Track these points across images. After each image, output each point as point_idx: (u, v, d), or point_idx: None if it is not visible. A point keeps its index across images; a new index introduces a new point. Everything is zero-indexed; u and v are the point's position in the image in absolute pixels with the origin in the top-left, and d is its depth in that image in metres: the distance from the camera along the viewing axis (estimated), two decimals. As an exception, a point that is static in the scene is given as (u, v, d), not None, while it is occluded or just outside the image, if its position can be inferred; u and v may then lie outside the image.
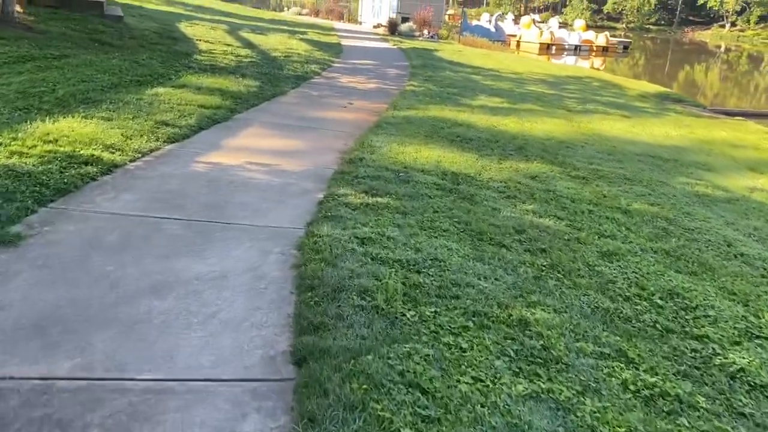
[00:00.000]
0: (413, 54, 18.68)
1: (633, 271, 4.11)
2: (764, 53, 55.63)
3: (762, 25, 73.90)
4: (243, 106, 7.98)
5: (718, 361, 3.09)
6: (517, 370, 2.71)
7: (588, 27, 44.42)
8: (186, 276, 3.34)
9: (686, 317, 3.54)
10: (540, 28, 39.54)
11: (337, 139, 7.00)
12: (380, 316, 2.98)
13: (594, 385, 2.70)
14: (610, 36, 42.49)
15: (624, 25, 78.66)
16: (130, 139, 5.62)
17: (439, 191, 5.29)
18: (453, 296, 3.31)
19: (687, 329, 3.39)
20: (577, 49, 38.65)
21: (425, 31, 28.25)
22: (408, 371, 2.54)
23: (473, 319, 3.09)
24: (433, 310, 3.11)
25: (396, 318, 2.98)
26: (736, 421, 2.66)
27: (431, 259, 3.77)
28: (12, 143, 4.90)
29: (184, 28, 14.15)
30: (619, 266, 4.18)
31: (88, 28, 11.08)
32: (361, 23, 35.33)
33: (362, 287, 3.24)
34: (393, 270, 3.52)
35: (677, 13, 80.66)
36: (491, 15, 45.42)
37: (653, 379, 2.80)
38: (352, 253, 3.68)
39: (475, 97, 11.54)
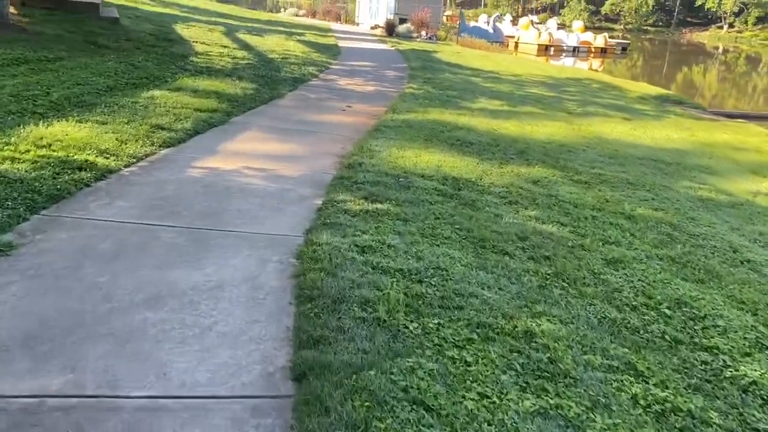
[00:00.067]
0: (411, 56, 18.60)
1: (639, 279, 4.03)
2: (762, 54, 55.71)
3: (760, 26, 74.00)
4: (240, 109, 7.88)
5: (729, 373, 3.01)
6: (524, 384, 2.62)
7: (586, 28, 44.40)
8: (182, 286, 3.24)
9: (695, 327, 3.45)
10: (538, 30, 39.53)
11: (336, 143, 6.91)
12: (382, 328, 2.89)
13: (603, 401, 2.61)
14: (609, 37, 42.47)
15: (622, 27, 78.71)
16: (125, 144, 5.53)
17: (440, 197, 5.20)
18: (456, 307, 3.22)
19: (696, 340, 3.31)
20: (575, 51, 38.63)
21: (423, 33, 28.18)
22: (412, 387, 2.45)
23: (478, 330, 3.00)
24: (436, 321, 3.02)
25: (398, 330, 2.89)
26: (750, 438, 2.58)
27: (433, 268, 3.68)
28: (4, 148, 4.81)
29: (181, 29, 14.05)
30: (625, 274, 4.10)
31: (84, 29, 10.98)
32: (358, 24, 35.25)
33: (363, 298, 3.15)
34: (394, 280, 3.43)
35: (675, 14, 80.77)
36: (489, 16, 45.39)
37: (664, 394, 2.72)
38: (352, 262, 3.59)
39: (475, 100, 11.46)
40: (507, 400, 2.49)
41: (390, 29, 27.52)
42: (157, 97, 7.45)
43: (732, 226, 5.69)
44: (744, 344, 3.32)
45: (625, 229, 5.12)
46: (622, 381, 2.78)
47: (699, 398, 2.75)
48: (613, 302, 3.65)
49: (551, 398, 2.55)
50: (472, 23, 39.89)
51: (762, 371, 3.05)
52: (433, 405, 2.37)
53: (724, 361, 3.11)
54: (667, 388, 2.78)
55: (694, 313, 3.63)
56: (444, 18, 40.53)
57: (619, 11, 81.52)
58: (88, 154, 5.06)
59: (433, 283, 3.49)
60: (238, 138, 6.58)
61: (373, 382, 2.42)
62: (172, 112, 6.88)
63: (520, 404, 2.47)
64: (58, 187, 4.34)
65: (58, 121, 5.82)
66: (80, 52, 9.44)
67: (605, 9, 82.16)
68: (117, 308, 2.97)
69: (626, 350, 3.08)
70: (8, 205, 3.88)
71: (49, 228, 3.77)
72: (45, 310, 2.86)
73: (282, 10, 47.27)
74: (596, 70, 29.27)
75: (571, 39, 39.65)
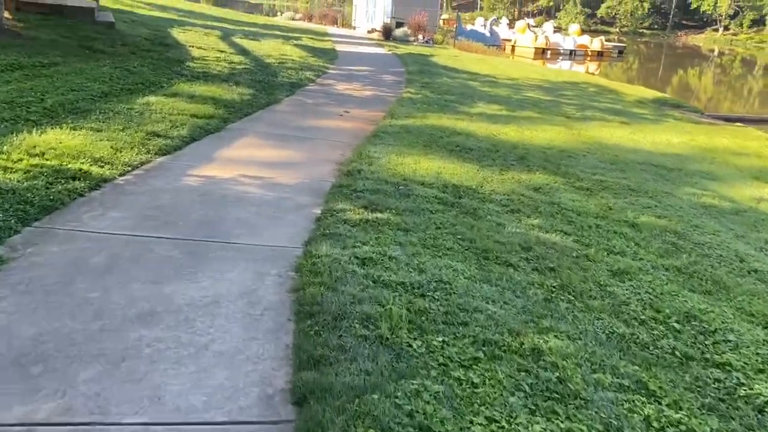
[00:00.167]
0: (409, 59, 18.52)
1: (646, 291, 3.94)
2: (757, 57, 55.87)
3: (755, 29, 74.24)
4: (236, 115, 7.78)
5: (743, 392, 2.92)
6: (534, 407, 2.52)
7: (582, 31, 44.44)
8: (177, 302, 3.14)
9: (706, 342, 3.36)
10: (535, 33, 39.55)
11: (334, 149, 6.82)
12: (385, 347, 2.79)
13: (616, 423, 2.52)
14: (605, 40, 42.50)
15: (618, 29, 78.81)
16: (120, 152, 5.42)
17: (440, 205, 5.11)
18: (461, 323, 3.12)
19: (707, 356, 3.22)
20: (572, 54, 38.62)
21: (420, 36, 28.10)
22: (417, 412, 2.35)
23: (483, 348, 2.90)
24: (440, 339, 2.92)
25: (402, 349, 2.79)
26: (767, 461, 2.49)
27: (436, 281, 3.58)
28: (-4, 158, 4.70)
29: (177, 34, 13.94)
30: (632, 286, 4.01)
31: (79, 34, 10.86)
32: (355, 28, 35.17)
33: (365, 314, 3.05)
34: (396, 294, 3.33)
35: (670, 17, 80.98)
36: (486, 19, 45.46)
37: (678, 415, 2.62)
38: (352, 276, 3.49)
39: (473, 105, 11.38)
40: (516, 424, 2.39)
41: (387, 33, 27.43)
42: (152, 103, 7.35)
43: (737, 233, 5.61)
44: (757, 360, 3.23)
45: (630, 238, 5.03)
46: (633, 401, 2.68)
47: (714, 419, 2.66)
48: (620, 316, 3.55)
49: (562, 421, 2.45)
50: (469, 27, 39.90)
51: (776, 389, 2.96)
52: (439, 431, 2.27)
53: (737, 378, 3.01)
54: (680, 408, 2.68)
55: (703, 327, 3.54)
56: (441, 21, 40.47)
57: (615, 14, 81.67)
58: (82, 163, 4.95)
59: (436, 297, 3.39)
60: (235, 145, 6.48)
61: (377, 407, 2.32)
62: (168, 119, 6.78)
63: (530, 428, 2.37)
64: (51, 197, 4.23)
65: (52, 128, 5.71)
66: (75, 57, 9.33)
67: (601, 12, 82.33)
68: (110, 326, 2.86)
69: (636, 368, 2.98)
70: (-1, 217, 3.78)
71: (41, 241, 3.66)
72: (35, 330, 2.75)
73: (278, 13, 47.20)
74: (593, 74, 29.27)
75: (567, 42, 39.65)
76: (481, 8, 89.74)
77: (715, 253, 4.92)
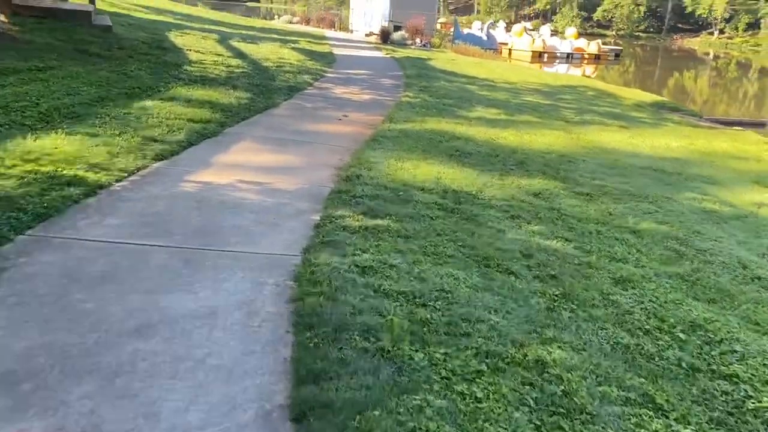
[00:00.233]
0: (407, 63, 18.48)
1: (650, 300, 3.88)
2: (753, 60, 56.04)
3: (750, 32, 74.51)
4: (234, 119, 7.72)
5: (752, 405, 2.86)
6: (539, 423, 2.46)
7: (579, 35, 44.48)
8: (173, 313, 3.07)
9: (712, 353, 3.31)
10: (532, 36, 39.54)
11: (333, 154, 6.76)
12: (386, 360, 2.72)
13: (623, 439, 2.46)
14: (601, 43, 42.56)
15: (614, 33, 79.00)
16: (116, 157, 5.36)
17: (440, 211, 5.05)
18: (463, 334, 3.06)
19: (714, 367, 3.16)
20: (569, 57, 38.64)
21: (418, 40, 28.08)
22: (419, 429, 2.29)
23: (486, 361, 2.84)
24: (443, 351, 2.86)
25: (403, 362, 2.72)
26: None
27: (437, 291, 3.52)
28: (-11, 164, 4.63)
29: (174, 37, 13.87)
30: (635, 294, 3.95)
31: (75, 38, 10.77)
32: (352, 32, 35.13)
33: (365, 326, 2.98)
34: (397, 304, 3.27)
35: (666, 20, 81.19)
36: (483, 23, 45.41)
37: (686, 431, 2.56)
38: (352, 285, 3.43)
39: (472, 109, 11.33)
40: (521, 440, 2.33)
41: (384, 36, 27.40)
42: (149, 108, 7.28)
43: (739, 240, 5.56)
44: (764, 372, 3.17)
45: (631, 244, 4.98)
46: (641, 416, 2.62)
47: (723, 434, 2.61)
48: (624, 326, 3.50)
49: (568, 437, 2.39)
50: (466, 30, 39.88)
51: (785, 402, 2.90)
52: (443, 449, 2.21)
53: (745, 391, 2.96)
54: (689, 423, 2.63)
55: (709, 337, 3.48)
56: (438, 25, 40.50)
57: (611, 17, 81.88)
58: (78, 169, 4.89)
59: (438, 307, 3.33)
60: (233, 149, 6.42)
61: (379, 424, 2.25)
62: (165, 123, 6.72)
63: (535, 445, 2.32)
64: (46, 204, 4.16)
65: (47, 133, 5.64)
66: (71, 61, 9.25)
67: (597, 15, 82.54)
68: (105, 339, 2.80)
69: (643, 380, 2.93)
70: (-9, 225, 3.71)
71: (35, 250, 3.59)
72: (27, 344, 2.68)
73: (276, 17, 47.14)
74: (589, 77, 29.28)
75: (564, 45, 39.68)
76: (478, 12, 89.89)
77: (718, 260, 4.87)
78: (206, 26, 18.16)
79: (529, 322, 3.33)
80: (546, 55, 37.66)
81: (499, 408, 2.50)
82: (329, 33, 30.15)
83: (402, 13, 29.73)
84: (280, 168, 5.97)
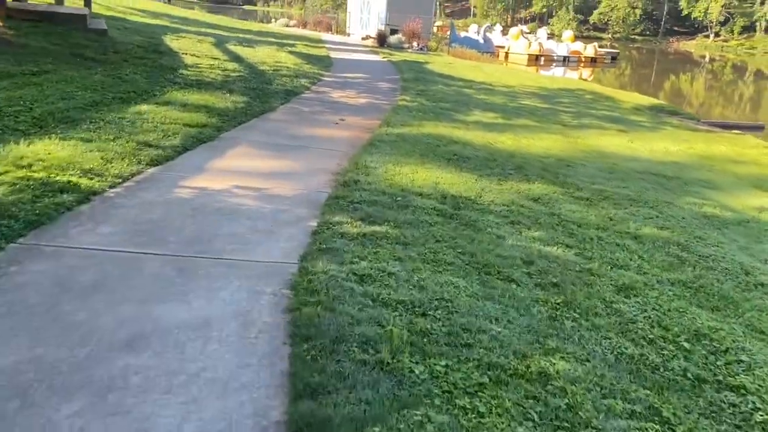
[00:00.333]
0: (404, 67, 18.43)
1: (653, 308, 3.82)
2: (748, 63, 56.22)
3: (745, 35, 74.77)
4: (230, 123, 7.64)
5: (761, 417, 2.80)
6: (544, 438, 2.39)
7: (575, 38, 44.55)
8: (167, 324, 2.99)
9: (717, 363, 3.25)
10: (528, 40, 39.58)
11: (330, 158, 6.69)
12: (386, 373, 2.65)
13: (629, 454, 2.39)
14: (598, 46, 42.63)
15: (610, 36, 79.20)
16: (111, 163, 5.28)
17: (439, 217, 4.98)
18: (464, 345, 2.99)
19: (720, 378, 3.10)
20: (565, 60, 38.70)
21: (414, 43, 28.03)
22: (421, 446, 2.22)
23: (489, 373, 2.77)
24: (444, 363, 2.78)
25: (404, 375, 2.65)
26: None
27: (437, 299, 3.45)
28: (-20, 171, 4.55)
29: (170, 41, 13.79)
30: (638, 302, 3.89)
31: (70, 42, 10.70)
32: (349, 35, 35.08)
33: (364, 337, 2.91)
34: (397, 314, 3.20)
35: (662, 23, 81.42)
36: (479, 26, 45.46)
37: (694, 445, 2.50)
38: (350, 294, 3.36)
39: (469, 113, 11.28)
40: (526, 457, 2.26)
41: (381, 40, 27.35)
42: (144, 112, 7.20)
43: (740, 245, 5.51)
44: (772, 382, 3.11)
45: (633, 250, 4.92)
46: (647, 430, 2.56)
47: (731, 448, 2.54)
48: (628, 335, 3.43)
49: (573, 454, 2.33)
50: (463, 33, 39.88)
51: (793, 413, 2.84)
52: (445, 467, 2.14)
53: (753, 403, 2.89)
54: (696, 437, 2.56)
55: (714, 346, 3.42)
56: (435, 28, 40.48)
57: (607, 20, 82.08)
58: (71, 175, 4.81)
59: (438, 316, 3.26)
60: (229, 154, 6.34)
61: (379, 441, 2.18)
62: (161, 128, 6.64)
63: (540, 462, 2.25)
64: (38, 211, 4.08)
65: (41, 138, 5.56)
66: (66, 65, 9.17)
67: (593, 18, 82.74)
68: (96, 352, 2.72)
69: (648, 392, 2.86)
70: (-19, 234, 3.63)
71: (26, 258, 3.51)
72: (16, 359, 2.60)
73: (273, 20, 47.08)
74: (587, 80, 29.29)
75: (561, 49, 39.74)
76: (475, 15, 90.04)
77: (720, 266, 4.82)
78: (202, 30, 18.09)
79: (531, 332, 3.26)
80: (543, 59, 37.70)
81: (503, 423, 2.43)
82: (326, 36, 30.09)
83: (399, 16, 29.69)
84: (277, 173, 5.90)
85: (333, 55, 19.52)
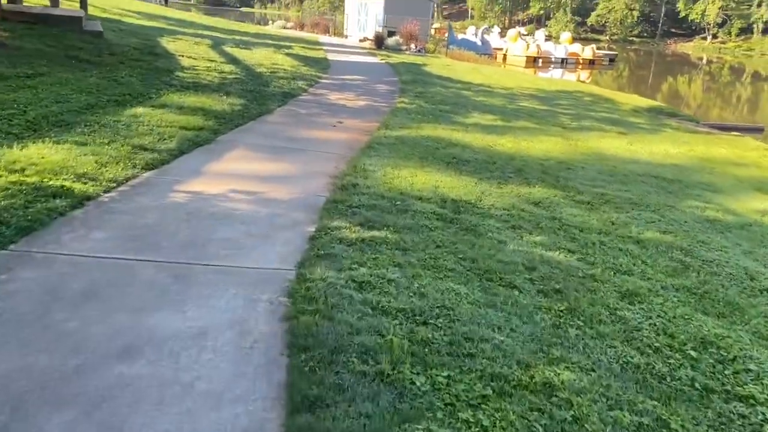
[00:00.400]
0: (402, 69, 18.37)
1: (658, 315, 3.74)
2: (746, 65, 56.31)
3: (743, 37, 74.93)
4: (227, 126, 7.56)
5: (771, 429, 2.72)
6: (550, 453, 2.31)
7: (573, 39, 44.58)
8: (161, 334, 2.91)
9: (725, 372, 3.17)
10: (526, 41, 39.59)
11: (328, 161, 6.61)
12: (386, 385, 2.57)
13: (638, 469, 2.31)
14: (596, 48, 42.64)
15: (608, 37, 79.29)
16: (105, 167, 5.19)
17: (439, 222, 4.91)
18: (467, 354, 2.91)
19: (729, 388, 3.03)
20: (563, 62, 38.70)
21: (412, 45, 27.98)
22: (424, 462, 2.14)
23: (492, 384, 2.69)
24: (446, 374, 2.71)
25: (404, 387, 2.57)
26: None
27: (438, 307, 3.37)
28: (-28, 175, 4.46)
29: (166, 43, 13.70)
30: (642, 309, 3.82)
31: (65, 44, 10.60)
32: (346, 37, 35.02)
33: (364, 347, 2.83)
34: (397, 322, 3.12)
35: (660, 25, 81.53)
36: (477, 28, 45.47)
37: (705, 459, 2.42)
38: (349, 302, 3.28)
39: (468, 115, 11.21)
40: (532, 473, 2.18)
41: (379, 42, 27.29)
42: (140, 115, 7.12)
43: (744, 249, 5.44)
44: (781, 392, 3.04)
45: (636, 255, 4.85)
46: (656, 443, 2.48)
47: (742, 462, 2.46)
48: (633, 343, 3.36)
49: (581, 469, 2.25)
50: (461, 35, 39.89)
51: (804, 424, 2.77)
52: (449, 484, 2.06)
53: (763, 414, 2.82)
54: (706, 451, 2.49)
55: (721, 354, 3.35)
56: (432, 30, 40.44)
57: (605, 22, 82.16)
58: (65, 180, 4.72)
59: (439, 325, 3.18)
60: (225, 157, 6.26)
61: (380, 458, 2.10)
62: (156, 131, 6.56)
63: (546, 478, 2.17)
64: (30, 217, 4.00)
65: (34, 142, 5.47)
66: (61, 68, 9.08)
67: (591, 20, 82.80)
68: (88, 363, 2.64)
69: (655, 403, 2.78)
70: (-29, 240, 3.54)
71: (17, 265, 3.42)
72: (5, 369, 2.51)
73: (270, 22, 47.01)
74: (584, 82, 29.28)
75: (559, 51, 39.74)
76: (472, 17, 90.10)
77: (725, 272, 4.75)
78: (199, 32, 18.01)
79: (534, 341, 3.19)
80: (541, 60, 37.71)
81: (507, 437, 2.35)
82: (323, 38, 30.01)
83: (396, 18, 29.64)
84: (274, 177, 5.82)
85: (330, 57, 19.45)
